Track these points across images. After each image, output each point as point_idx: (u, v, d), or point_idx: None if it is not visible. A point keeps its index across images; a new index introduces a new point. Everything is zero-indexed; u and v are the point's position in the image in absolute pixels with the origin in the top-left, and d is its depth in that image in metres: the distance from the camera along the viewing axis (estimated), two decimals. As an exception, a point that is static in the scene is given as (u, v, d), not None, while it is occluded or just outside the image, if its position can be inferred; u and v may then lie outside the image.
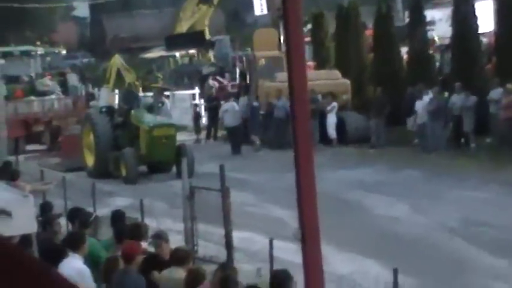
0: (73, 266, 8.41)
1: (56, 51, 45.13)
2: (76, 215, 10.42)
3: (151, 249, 9.42)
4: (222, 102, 27.90)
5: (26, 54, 33.00)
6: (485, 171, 18.88)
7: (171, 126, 22.38)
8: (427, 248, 13.02)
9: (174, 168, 21.07)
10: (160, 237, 9.34)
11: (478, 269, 11.76)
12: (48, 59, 38.73)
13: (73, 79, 32.72)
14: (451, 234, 13.82)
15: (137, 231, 9.39)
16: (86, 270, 8.43)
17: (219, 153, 24.03)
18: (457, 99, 22.62)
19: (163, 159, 21.54)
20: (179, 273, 8.40)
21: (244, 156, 24.52)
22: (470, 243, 13.06)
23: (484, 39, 26.96)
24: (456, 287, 10.78)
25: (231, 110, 26.08)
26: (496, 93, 21.92)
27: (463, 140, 22.77)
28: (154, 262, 8.89)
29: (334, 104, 25.31)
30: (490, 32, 26.87)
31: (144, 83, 35.42)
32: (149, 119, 22.17)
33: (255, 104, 26.58)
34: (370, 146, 24.03)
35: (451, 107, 22.59)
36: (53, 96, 30.28)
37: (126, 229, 9.59)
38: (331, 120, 25.17)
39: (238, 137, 25.65)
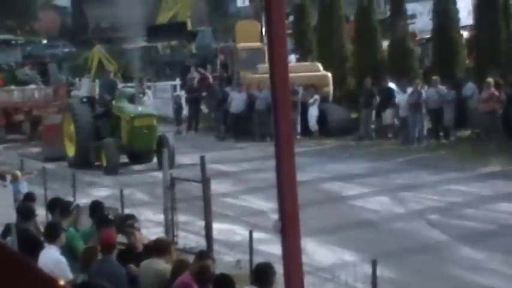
0: (50, 256, 8.40)
1: (37, 40, 44.81)
2: (56, 205, 10.40)
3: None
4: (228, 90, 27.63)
5: (6, 43, 32.75)
6: (464, 164, 19.02)
7: (152, 116, 22.32)
8: (405, 239, 13.11)
9: (155, 159, 21.04)
10: (132, 227, 9.28)
11: (455, 261, 11.86)
12: (29, 48, 38.42)
13: (54, 69, 32.53)
14: (430, 225, 13.92)
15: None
16: (63, 261, 8.42)
17: (200, 145, 24.02)
18: (433, 93, 22.75)
19: (144, 149, 21.50)
20: (160, 264, 8.41)
21: (226, 148, 24.54)
22: (448, 235, 13.16)
23: (465, 33, 27.10)
24: (434, 278, 10.86)
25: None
26: (468, 88, 22.08)
27: (442, 133, 22.92)
28: (129, 255, 8.85)
29: (316, 96, 25.38)
30: (470, 25, 27.01)
31: (125, 73, 35.28)
32: (130, 109, 22.10)
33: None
34: (358, 138, 24.03)
35: (427, 100, 22.72)
36: (33, 86, 30.10)
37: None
38: (313, 112, 25.22)
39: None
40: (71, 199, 12.93)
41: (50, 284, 2.56)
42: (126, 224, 9.36)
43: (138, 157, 21.99)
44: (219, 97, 27.23)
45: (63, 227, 9.08)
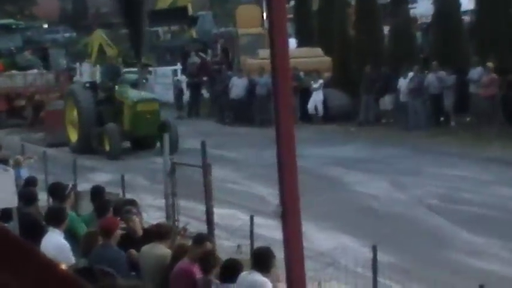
0: (53, 241, 8.43)
1: (37, 25, 44.68)
2: (57, 190, 10.43)
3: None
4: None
5: (7, 28, 32.66)
6: (465, 149, 19.05)
7: (155, 101, 22.32)
8: (405, 225, 13.15)
9: (159, 145, 21.03)
10: (130, 212, 9.30)
11: (455, 246, 11.91)
12: (29, 33, 38.30)
13: (57, 54, 32.47)
14: (430, 211, 13.96)
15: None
16: (66, 245, 8.45)
17: (201, 130, 24.03)
18: (433, 78, 22.72)
19: (147, 134, 21.48)
20: (160, 249, 8.45)
21: (227, 133, 24.56)
22: (449, 220, 13.20)
23: (466, 18, 27.00)
24: (434, 263, 10.91)
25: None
26: (475, 72, 22.03)
27: (442, 118, 22.91)
28: (129, 240, 8.89)
29: (321, 81, 25.37)
30: (472, 10, 26.91)
31: (126, 58, 35.21)
32: (133, 94, 22.11)
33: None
34: (358, 124, 24.04)
35: (428, 86, 22.70)
36: (35, 71, 30.07)
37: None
38: (318, 97, 25.21)
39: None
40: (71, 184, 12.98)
41: (52, 268, 2.59)
42: (124, 210, 9.39)
43: (140, 143, 21.99)
44: (225, 82, 27.18)
45: (66, 212, 9.11)
